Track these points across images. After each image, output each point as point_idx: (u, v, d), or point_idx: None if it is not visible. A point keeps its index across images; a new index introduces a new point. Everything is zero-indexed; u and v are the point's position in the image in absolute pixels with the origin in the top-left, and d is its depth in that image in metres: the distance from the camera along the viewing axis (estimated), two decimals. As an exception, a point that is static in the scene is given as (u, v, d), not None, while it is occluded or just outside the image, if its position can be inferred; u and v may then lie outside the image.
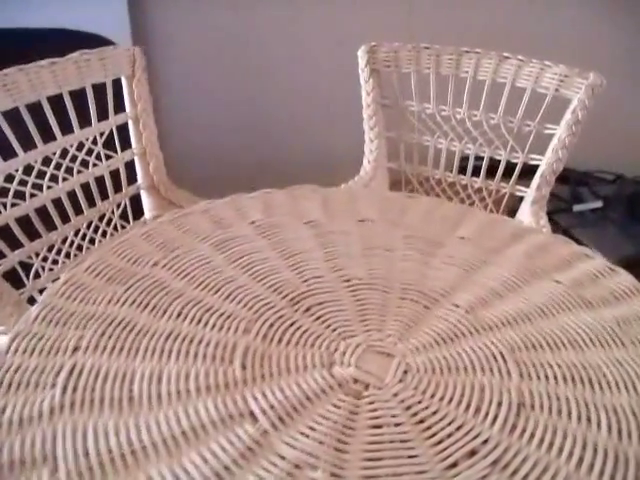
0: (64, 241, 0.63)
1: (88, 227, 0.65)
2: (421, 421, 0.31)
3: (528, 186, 0.76)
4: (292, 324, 0.38)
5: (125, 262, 0.44)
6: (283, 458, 0.29)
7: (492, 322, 0.39)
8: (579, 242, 0.50)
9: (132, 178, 0.69)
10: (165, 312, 0.39)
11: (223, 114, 1.46)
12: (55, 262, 0.62)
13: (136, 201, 0.70)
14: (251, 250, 0.46)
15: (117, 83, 0.65)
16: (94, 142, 0.64)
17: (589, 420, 0.32)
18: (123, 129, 0.67)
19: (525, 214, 0.75)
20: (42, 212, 0.60)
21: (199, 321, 0.38)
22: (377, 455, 0.29)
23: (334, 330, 0.37)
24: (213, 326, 0.37)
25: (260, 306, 0.39)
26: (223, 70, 1.43)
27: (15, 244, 0.58)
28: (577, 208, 1.31)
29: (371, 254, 0.46)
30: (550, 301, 0.42)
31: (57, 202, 0.61)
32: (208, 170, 1.39)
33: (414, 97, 0.80)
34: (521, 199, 0.77)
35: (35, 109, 0.58)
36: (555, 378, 0.35)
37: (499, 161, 0.77)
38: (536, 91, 0.72)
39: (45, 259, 0.61)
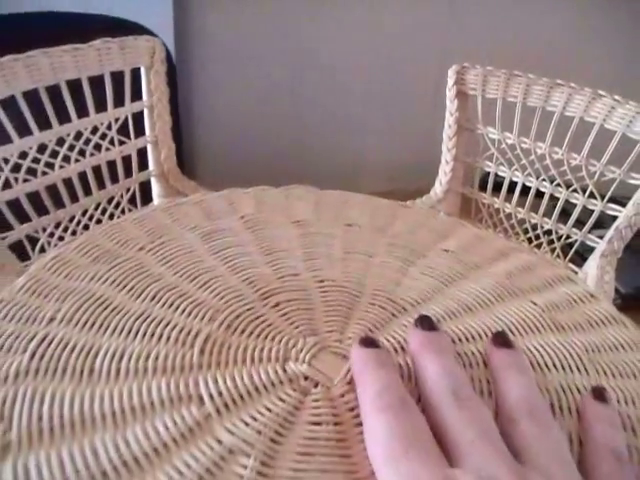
0: (71, 220, 0.66)
1: (96, 208, 0.68)
2: (360, 423, 0.32)
3: (602, 236, 0.72)
4: (258, 317, 0.39)
5: (113, 244, 0.46)
6: (220, 442, 0.30)
7: (455, 335, 0.40)
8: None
9: (143, 165, 0.72)
10: (141, 294, 0.41)
11: (263, 107, 1.49)
12: (61, 238, 0.65)
13: (145, 187, 0.72)
14: (235, 243, 0.47)
15: (137, 72, 0.68)
16: (109, 127, 0.66)
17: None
18: (139, 117, 0.69)
19: (592, 266, 0.71)
20: (52, 190, 0.63)
21: (170, 305, 0.40)
22: (310, 450, 0.30)
23: (297, 327, 0.38)
24: (182, 311, 0.39)
25: (231, 297, 0.41)
26: (264, 71, 1.46)
27: (24, 218, 0.61)
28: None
29: (350, 258, 0.47)
30: (521, 321, 0.42)
31: (68, 182, 0.64)
32: (239, 170, 1.43)
33: (497, 124, 0.77)
34: (593, 249, 0.73)
35: (54, 91, 0.61)
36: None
37: (575, 205, 0.73)
38: (627, 136, 0.68)
39: (52, 235, 0.64)
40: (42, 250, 0.63)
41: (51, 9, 1.23)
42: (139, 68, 0.68)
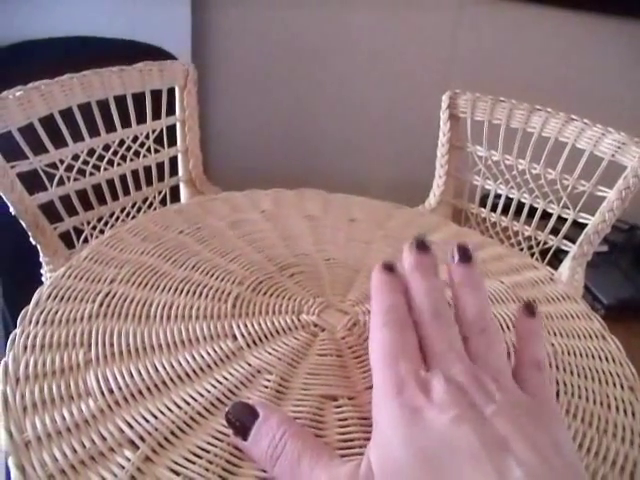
0: (111, 215, 0.76)
1: (132, 207, 0.78)
2: (357, 356, 0.41)
3: (575, 241, 0.81)
4: (277, 283, 0.49)
5: (157, 228, 0.56)
6: (249, 365, 0.39)
7: (436, 302, 0.49)
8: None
9: (174, 171, 0.82)
10: (183, 264, 0.50)
11: (273, 124, 1.61)
12: (102, 231, 0.75)
13: (175, 191, 0.83)
14: (257, 230, 0.57)
15: (171, 91, 0.79)
16: (147, 137, 0.77)
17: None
18: (172, 129, 0.80)
19: (565, 267, 0.80)
20: (97, 189, 0.73)
21: (207, 273, 0.49)
22: (318, 372, 0.39)
23: (308, 291, 0.48)
24: (217, 277, 0.49)
25: (255, 269, 0.50)
26: (274, 94, 1.57)
27: (72, 212, 0.72)
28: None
29: (352, 244, 0.57)
30: (489, 294, 0.52)
31: (110, 182, 0.74)
32: (251, 175, 1.54)
33: (483, 143, 0.87)
34: (567, 253, 0.82)
35: (103, 105, 0.71)
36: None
37: (551, 214, 0.83)
38: (595, 154, 0.77)
39: (94, 228, 0.74)
40: (85, 240, 0.73)
41: (78, 34, 1.36)
42: (174, 87, 0.79)
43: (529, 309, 0.37)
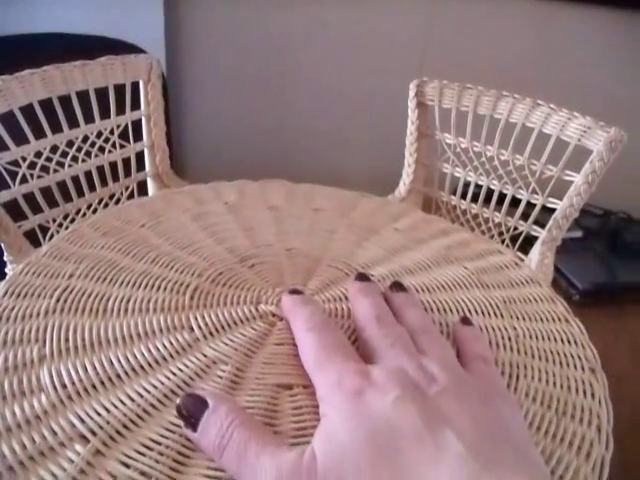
0: (78, 212, 0.75)
1: (99, 203, 0.77)
2: (315, 344, 0.41)
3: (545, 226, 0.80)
4: (236, 274, 0.48)
5: (119, 222, 0.56)
6: (205, 356, 0.39)
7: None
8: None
9: (140, 166, 0.81)
10: (142, 258, 0.50)
11: (248, 118, 1.60)
12: (67, 228, 0.74)
13: (142, 186, 0.82)
14: (219, 222, 0.57)
15: (136, 85, 0.78)
16: (111, 132, 0.76)
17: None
18: (137, 124, 0.79)
19: (535, 252, 0.80)
20: (62, 186, 0.72)
21: (166, 266, 0.49)
22: (274, 361, 0.39)
23: (268, 281, 0.48)
24: (176, 270, 0.48)
25: (215, 260, 0.50)
26: (249, 86, 1.57)
27: (37, 210, 0.71)
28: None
29: (315, 234, 0.57)
30: (452, 280, 0.52)
31: (75, 179, 0.73)
32: (226, 168, 1.53)
33: (452, 131, 0.87)
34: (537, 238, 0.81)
35: (65, 101, 0.70)
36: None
37: (520, 200, 0.82)
38: (561, 139, 0.77)
39: (60, 225, 0.73)
40: (51, 238, 0.72)
41: (49, 31, 1.34)
42: (139, 82, 0.78)
43: (466, 320, 0.42)
